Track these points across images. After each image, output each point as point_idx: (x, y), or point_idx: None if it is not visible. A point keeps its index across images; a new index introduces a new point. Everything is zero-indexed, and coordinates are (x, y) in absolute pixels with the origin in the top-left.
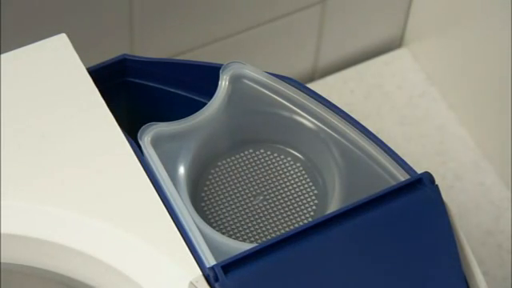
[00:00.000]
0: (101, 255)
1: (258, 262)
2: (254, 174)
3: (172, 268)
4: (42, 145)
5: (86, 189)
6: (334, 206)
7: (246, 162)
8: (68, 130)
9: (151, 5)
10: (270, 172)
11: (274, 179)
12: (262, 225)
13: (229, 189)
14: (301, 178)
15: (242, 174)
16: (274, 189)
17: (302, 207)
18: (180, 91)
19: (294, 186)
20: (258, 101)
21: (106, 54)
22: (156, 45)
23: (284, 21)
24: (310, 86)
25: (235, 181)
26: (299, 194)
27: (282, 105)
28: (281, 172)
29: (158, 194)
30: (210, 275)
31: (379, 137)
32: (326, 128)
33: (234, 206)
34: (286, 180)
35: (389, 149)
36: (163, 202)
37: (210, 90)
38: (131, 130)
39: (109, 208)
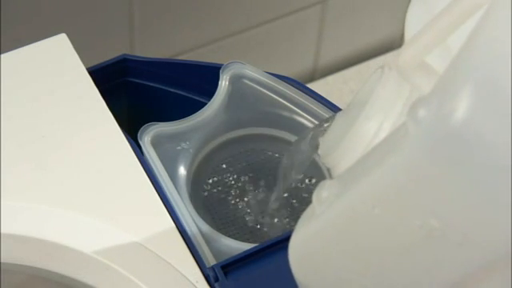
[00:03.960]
0: (100, 255)
1: (258, 262)
2: (254, 173)
3: (172, 268)
4: (42, 145)
5: (85, 189)
6: None
7: (246, 161)
8: (68, 130)
9: (151, 5)
10: (270, 172)
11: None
12: (262, 225)
13: (229, 189)
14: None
15: (243, 173)
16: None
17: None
18: (180, 91)
19: (295, 185)
20: (257, 101)
21: (106, 54)
22: (156, 45)
23: (284, 21)
24: (310, 86)
25: (235, 180)
26: (299, 193)
27: (282, 105)
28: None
29: (158, 194)
30: (210, 275)
31: None
32: None
33: (234, 206)
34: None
35: None
36: (163, 201)
37: (210, 89)
38: (131, 130)
39: (109, 208)
